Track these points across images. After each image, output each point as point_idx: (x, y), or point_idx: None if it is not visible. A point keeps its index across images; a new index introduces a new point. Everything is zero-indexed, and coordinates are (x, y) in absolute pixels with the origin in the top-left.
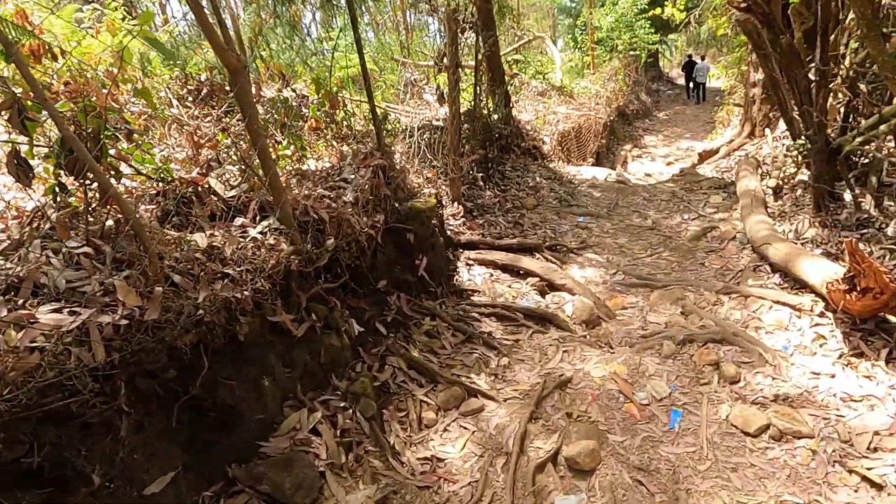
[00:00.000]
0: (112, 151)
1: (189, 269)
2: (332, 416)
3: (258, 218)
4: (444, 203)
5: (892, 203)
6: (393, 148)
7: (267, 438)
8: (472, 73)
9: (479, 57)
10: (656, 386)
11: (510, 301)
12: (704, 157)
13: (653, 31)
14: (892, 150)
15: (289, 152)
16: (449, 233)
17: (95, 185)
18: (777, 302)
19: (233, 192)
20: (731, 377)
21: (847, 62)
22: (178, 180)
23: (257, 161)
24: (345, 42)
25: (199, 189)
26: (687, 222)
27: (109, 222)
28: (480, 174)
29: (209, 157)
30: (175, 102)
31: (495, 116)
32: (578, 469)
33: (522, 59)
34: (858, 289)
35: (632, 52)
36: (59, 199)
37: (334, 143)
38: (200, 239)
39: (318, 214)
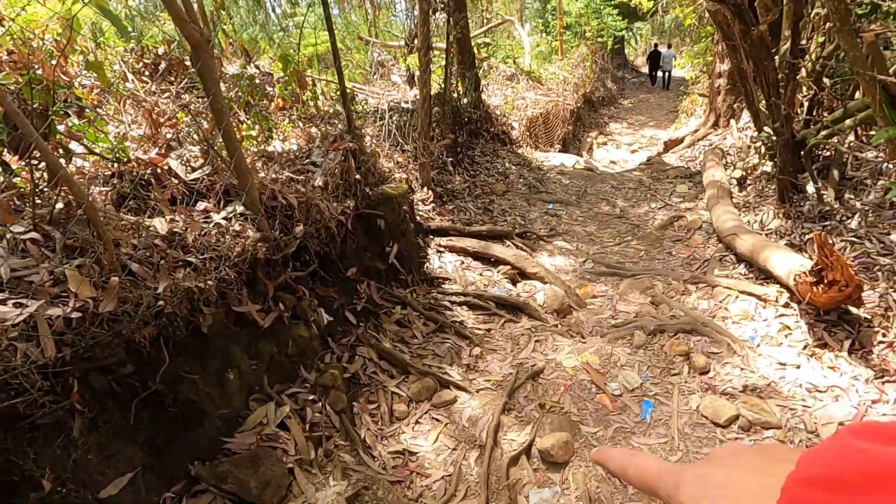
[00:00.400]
0: (61, 128)
1: (148, 257)
2: (300, 409)
3: (222, 202)
4: (414, 188)
5: (853, 196)
6: (363, 131)
7: (231, 434)
8: (442, 56)
9: (451, 39)
10: (628, 376)
11: (481, 289)
12: (669, 145)
13: (620, 18)
14: (853, 145)
15: (254, 133)
16: (419, 219)
17: (43, 164)
18: (743, 292)
19: (195, 175)
20: (701, 367)
21: (813, 56)
22: (136, 161)
23: (221, 142)
24: (313, 18)
25: (158, 171)
26: (654, 211)
27: (59, 205)
28: (450, 159)
29: (169, 136)
30: (130, 77)
31: (465, 100)
32: (552, 461)
33: (492, 43)
34: (826, 281)
35: (599, 39)
36: (2, 179)
37: (301, 124)
38: (160, 224)
39: (287, 199)
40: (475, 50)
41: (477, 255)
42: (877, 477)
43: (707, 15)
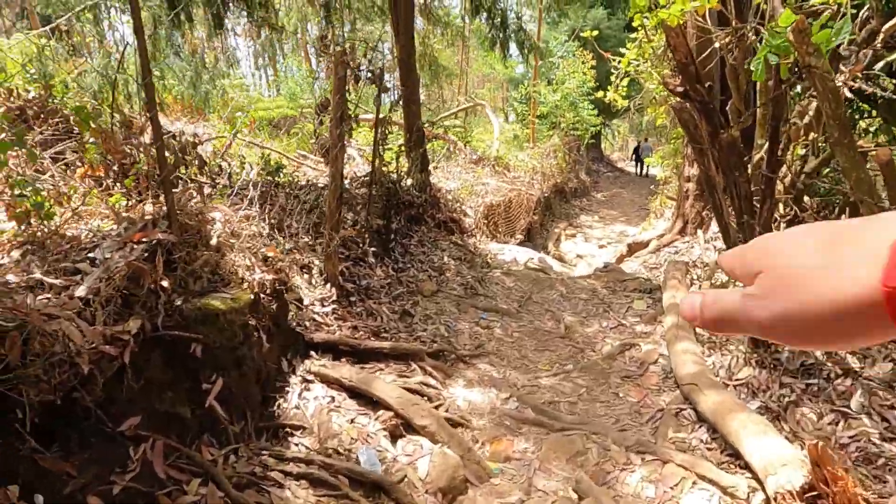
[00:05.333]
0: None
1: None
2: None
3: None
4: (312, 284)
5: (840, 353)
6: (217, 213)
7: None
8: (399, 131)
9: (381, 115)
10: None
11: (343, 451)
12: (634, 249)
13: (595, 113)
14: None
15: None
16: (307, 325)
17: None
18: (703, 477)
19: None
20: None
21: (792, 171)
22: None
23: None
24: (257, 82)
25: None
26: (605, 332)
27: None
28: (373, 248)
29: None
30: None
31: (409, 181)
32: None
33: (460, 125)
34: None
35: (573, 132)
36: None
37: (107, 200)
38: None
39: None
40: (438, 130)
41: (354, 392)
42: None
43: None
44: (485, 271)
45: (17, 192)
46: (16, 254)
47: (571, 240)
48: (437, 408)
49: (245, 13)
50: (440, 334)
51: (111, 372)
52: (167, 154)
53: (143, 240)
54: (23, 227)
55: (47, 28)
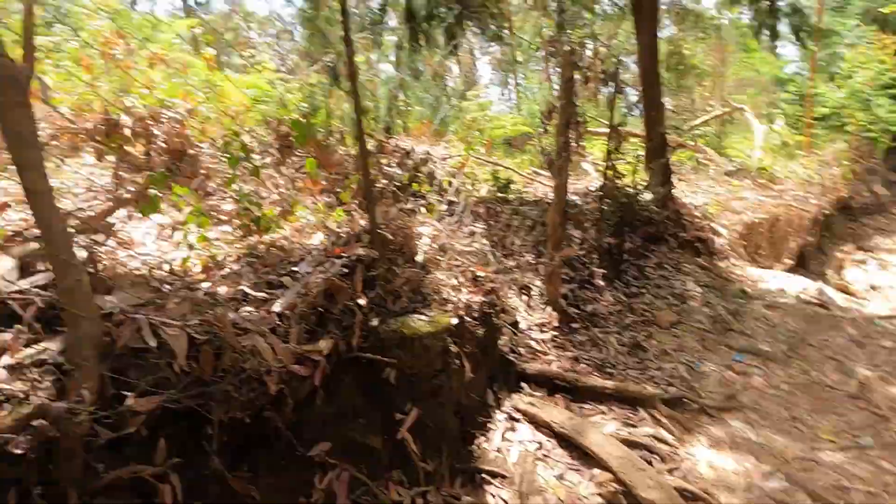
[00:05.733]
0: None
1: None
2: None
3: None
4: (495, 313)
5: None
6: (420, 230)
7: None
8: (629, 140)
9: (615, 121)
10: None
11: None
12: None
13: None
14: None
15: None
16: (521, 352)
17: None
18: None
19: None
20: None
21: None
22: None
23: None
24: (496, 100)
25: None
26: None
27: None
28: (603, 271)
29: None
30: None
31: (647, 196)
32: None
33: (713, 133)
34: None
35: (864, 135)
36: None
37: (328, 214)
38: None
39: (164, 337)
40: (686, 139)
41: (564, 440)
42: None
43: None
44: (740, 302)
45: (242, 205)
46: (236, 265)
47: (860, 266)
48: (670, 471)
49: (479, 30)
50: (678, 376)
51: (303, 393)
52: (399, 171)
53: (343, 255)
54: (245, 239)
55: (316, 66)
